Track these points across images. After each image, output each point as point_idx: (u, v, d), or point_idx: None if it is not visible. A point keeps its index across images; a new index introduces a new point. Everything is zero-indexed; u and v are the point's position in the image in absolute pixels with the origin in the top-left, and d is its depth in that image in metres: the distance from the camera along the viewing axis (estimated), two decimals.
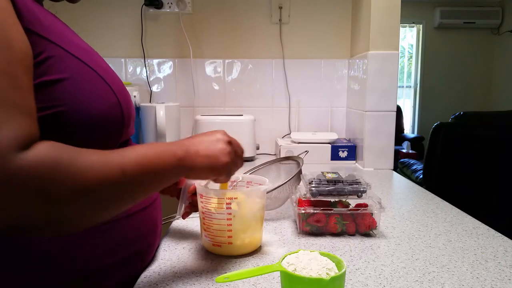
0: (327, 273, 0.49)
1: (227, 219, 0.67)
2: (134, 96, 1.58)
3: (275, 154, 1.72)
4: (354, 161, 1.56)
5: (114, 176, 0.43)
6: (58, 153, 0.40)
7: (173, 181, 0.54)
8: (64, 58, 0.50)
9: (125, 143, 0.61)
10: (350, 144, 1.56)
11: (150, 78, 1.77)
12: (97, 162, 0.42)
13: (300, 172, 0.90)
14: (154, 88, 1.78)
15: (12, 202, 0.37)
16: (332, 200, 0.81)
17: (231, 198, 0.66)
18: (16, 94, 0.40)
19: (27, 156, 0.38)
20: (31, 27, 0.47)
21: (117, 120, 0.55)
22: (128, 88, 1.59)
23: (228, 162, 0.59)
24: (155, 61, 1.77)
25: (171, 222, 0.88)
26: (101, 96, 0.53)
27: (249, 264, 0.66)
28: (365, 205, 0.79)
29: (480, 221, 0.88)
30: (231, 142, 0.61)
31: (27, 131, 0.40)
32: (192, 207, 0.76)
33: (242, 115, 1.62)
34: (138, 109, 1.60)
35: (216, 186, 0.74)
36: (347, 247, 0.73)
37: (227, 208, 0.66)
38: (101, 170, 0.42)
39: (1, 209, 0.37)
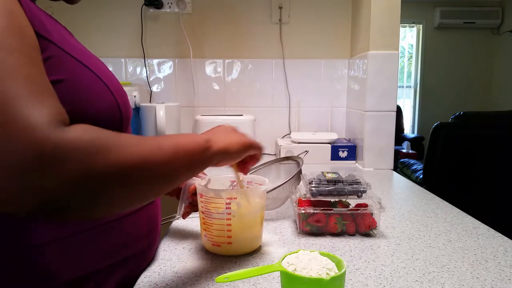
0: (327, 273, 0.49)
1: (227, 219, 0.67)
2: (134, 96, 1.58)
3: (275, 154, 1.72)
4: (354, 161, 1.56)
5: (153, 153, 0.44)
6: (97, 131, 0.40)
7: (206, 165, 0.55)
8: (63, 59, 0.50)
9: None
10: (350, 144, 1.56)
11: (150, 78, 1.77)
12: (135, 141, 0.43)
13: (300, 172, 0.90)
14: (154, 88, 1.78)
15: (54, 176, 0.35)
16: (332, 200, 0.81)
17: (230, 198, 0.66)
18: (43, 76, 0.41)
19: (69, 131, 0.37)
20: (33, 26, 0.47)
21: (115, 121, 0.55)
22: (128, 88, 1.60)
23: (250, 139, 0.63)
24: (155, 61, 1.77)
25: (171, 222, 0.88)
26: (100, 97, 0.53)
27: (249, 264, 0.66)
28: (365, 205, 0.79)
29: (480, 221, 0.88)
30: (237, 130, 0.65)
31: (62, 110, 0.40)
32: (192, 206, 0.76)
33: (242, 115, 1.62)
34: (138, 109, 1.60)
35: (217, 186, 0.74)
36: (347, 247, 0.73)
37: (226, 208, 0.66)
38: (139, 147, 0.43)
39: (40, 183, 0.35)
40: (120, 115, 0.56)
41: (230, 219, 0.67)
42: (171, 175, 0.48)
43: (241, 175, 0.71)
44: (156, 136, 0.48)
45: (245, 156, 0.63)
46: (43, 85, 0.40)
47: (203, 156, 0.53)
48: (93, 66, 0.54)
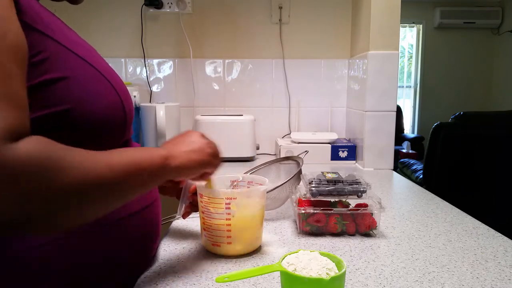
0: (327, 273, 0.49)
1: (227, 219, 0.67)
2: (134, 96, 1.58)
3: (275, 154, 1.72)
4: (354, 161, 1.56)
5: (102, 173, 0.43)
6: (49, 148, 0.39)
7: (160, 181, 0.55)
8: (66, 56, 0.50)
9: (125, 144, 0.61)
10: (350, 144, 1.56)
11: (150, 78, 1.77)
12: (86, 159, 0.42)
13: (300, 172, 0.90)
14: (154, 88, 1.78)
15: (2, 196, 0.35)
16: (332, 200, 0.81)
17: (230, 198, 0.66)
18: (8, 84, 0.39)
19: (17, 148, 0.36)
20: (33, 24, 0.47)
21: (119, 119, 0.55)
22: (128, 88, 1.60)
23: (211, 153, 0.63)
24: (155, 61, 1.77)
25: (171, 222, 0.88)
26: (104, 95, 0.53)
27: (249, 264, 0.66)
28: (365, 205, 0.79)
29: (480, 221, 0.88)
30: (204, 136, 0.65)
31: (17, 123, 0.38)
32: (193, 206, 0.76)
33: (242, 115, 1.62)
34: (138, 109, 1.60)
35: (217, 186, 0.74)
36: (347, 247, 0.73)
37: (226, 208, 0.66)
38: (90, 167, 0.42)
39: None
40: (124, 113, 0.56)
41: (230, 219, 0.67)
42: (122, 194, 0.47)
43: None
44: (113, 151, 0.47)
45: (200, 173, 0.63)
46: (4, 96, 0.38)
47: (158, 174, 0.53)
48: (97, 64, 0.54)
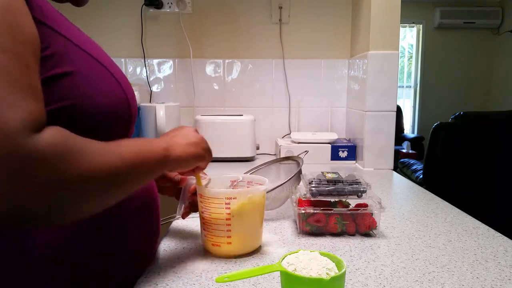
0: (327, 273, 0.49)
1: (226, 219, 0.67)
2: (135, 96, 1.57)
3: (275, 154, 1.72)
4: (354, 161, 1.56)
5: (115, 162, 0.44)
6: (69, 138, 0.40)
7: (160, 172, 0.57)
8: (73, 51, 0.50)
9: None
10: (350, 144, 1.56)
11: (150, 78, 1.77)
12: (102, 150, 0.43)
13: (300, 172, 0.90)
14: (154, 88, 1.78)
15: (21, 186, 0.35)
16: (332, 200, 0.81)
17: (230, 198, 0.66)
18: (28, 76, 0.40)
19: (41, 138, 0.37)
20: (43, 19, 0.47)
21: (125, 116, 0.55)
22: None
23: (205, 148, 0.65)
24: (155, 61, 1.77)
25: (171, 222, 0.88)
26: (111, 91, 0.53)
27: (249, 264, 0.66)
28: (365, 205, 0.79)
29: (480, 221, 0.88)
30: (197, 131, 0.67)
31: (38, 114, 0.39)
32: (192, 207, 0.76)
33: (242, 115, 1.62)
34: (138, 109, 1.60)
35: (217, 186, 0.74)
36: (347, 247, 0.73)
37: (226, 208, 0.66)
38: (105, 157, 0.43)
39: (9, 190, 0.35)
40: (129, 110, 0.56)
41: (229, 219, 0.67)
42: (127, 184, 0.48)
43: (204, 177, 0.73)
44: (119, 141, 0.48)
45: (194, 166, 0.65)
46: (24, 87, 0.39)
47: (160, 165, 0.54)
48: (103, 60, 0.55)
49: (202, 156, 0.64)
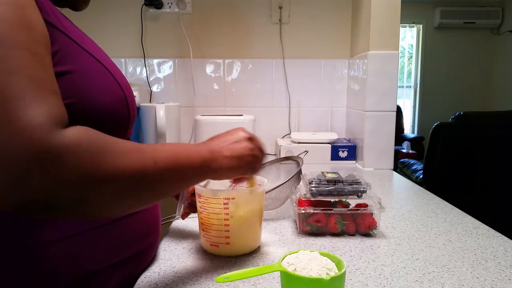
0: (327, 273, 0.49)
1: (225, 219, 0.66)
2: (134, 96, 1.57)
3: (275, 154, 1.72)
4: (354, 161, 1.56)
5: (147, 166, 0.43)
6: (95, 136, 0.40)
7: (198, 181, 0.55)
8: (75, 50, 0.51)
9: None
10: (350, 144, 1.56)
11: (150, 78, 1.77)
12: (132, 150, 0.43)
13: (300, 172, 0.90)
14: (154, 88, 1.78)
15: (45, 177, 0.36)
16: (332, 200, 0.81)
17: (228, 198, 0.66)
18: (47, 73, 0.41)
19: (66, 133, 0.38)
20: (46, 17, 0.47)
21: (123, 116, 0.55)
22: None
23: (251, 161, 0.61)
24: (155, 61, 1.77)
25: (171, 222, 0.88)
26: (110, 90, 0.53)
27: (249, 264, 0.66)
28: (365, 205, 0.79)
29: (480, 221, 0.88)
30: (251, 139, 0.62)
31: (62, 111, 0.40)
32: (192, 207, 0.76)
33: (242, 115, 1.62)
34: (138, 109, 1.60)
35: (216, 186, 0.74)
36: (347, 247, 0.73)
37: (224, 208, 0.66)
38: (135, 157, 0.43)
39: (31, 182, 0.36)
40: (128, 110, 0.56)
41: (228, 219, 0.66)
42: (162, 190, 0.48)
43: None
44: (156, 145, 0.48)
45: (238, 177, 0.63)
46: (46, 84, 0.40)
47: (196, 174, 0.53)
48: (103, 60, 0.55)
49: (244, 170, 0.61)
